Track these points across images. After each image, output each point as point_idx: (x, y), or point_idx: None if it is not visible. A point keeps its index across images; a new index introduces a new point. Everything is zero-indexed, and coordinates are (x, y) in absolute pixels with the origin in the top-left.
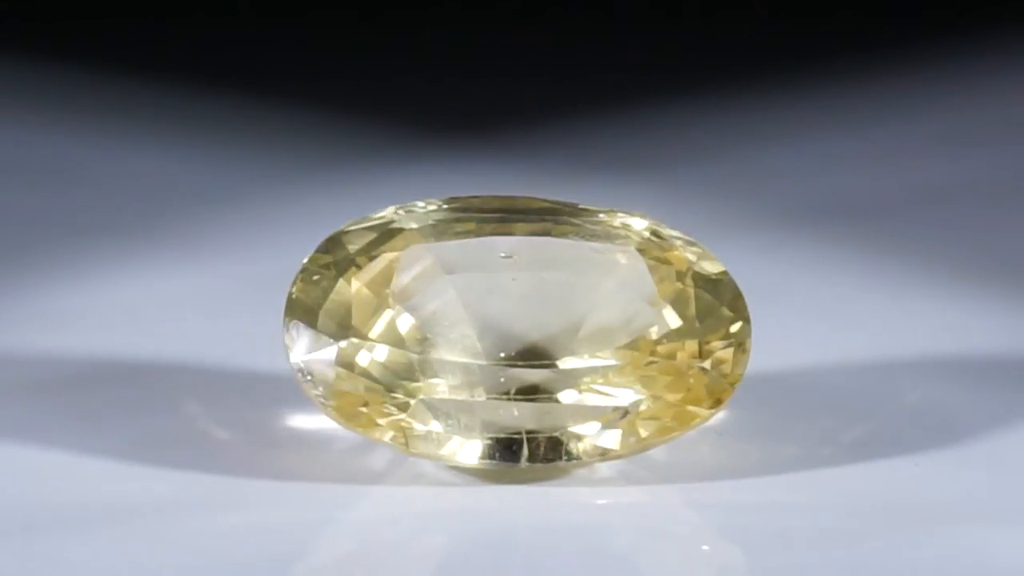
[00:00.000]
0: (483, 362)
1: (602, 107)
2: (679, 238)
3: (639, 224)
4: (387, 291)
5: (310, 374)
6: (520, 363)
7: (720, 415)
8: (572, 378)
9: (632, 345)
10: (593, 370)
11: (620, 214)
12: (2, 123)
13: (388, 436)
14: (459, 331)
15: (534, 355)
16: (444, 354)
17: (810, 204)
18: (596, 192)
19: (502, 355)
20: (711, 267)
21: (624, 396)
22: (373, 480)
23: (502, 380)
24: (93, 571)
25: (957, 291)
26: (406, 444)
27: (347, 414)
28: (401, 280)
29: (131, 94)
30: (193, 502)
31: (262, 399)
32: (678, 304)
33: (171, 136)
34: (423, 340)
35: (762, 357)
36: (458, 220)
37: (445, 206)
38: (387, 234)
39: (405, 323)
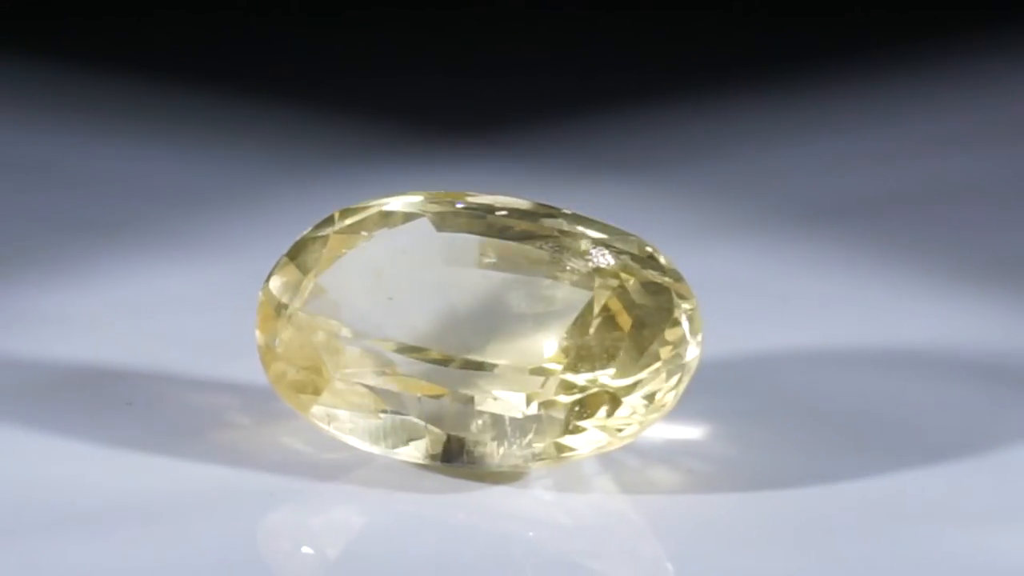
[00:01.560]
0: (399, 352)
1: (602, 107)
2: (667, 269)
3: (629, 247)
4: (354, 269)
5: (265, 342)
6: (435, 360)
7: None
8: (480, 383)
9: (547, 365)
10: (500, 380)
11: (614, 233)
12: (2, 123)
13: (312, 412)
14: (395, 318)
15: (454, 354)
16: (369, 338)
17: (810, 204)
18: (595, 192)
19: (424, 349)
20: (685, 303)
21: (519, 410)
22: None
23: (414, 373)
24: (94, 571)
25: (957, 291)
26: (328, 423)
27: (285, 387)
28: (366, 262)
29: (131, 94)
30: (193, 502)
31: (264, 398)
32: (609, 340)
33: (171, 136)
34: (360, 322)
35: (763, 357)
36: (451, 213)
37: (452, 200)
38: (378, 216)
39: (353, 304)
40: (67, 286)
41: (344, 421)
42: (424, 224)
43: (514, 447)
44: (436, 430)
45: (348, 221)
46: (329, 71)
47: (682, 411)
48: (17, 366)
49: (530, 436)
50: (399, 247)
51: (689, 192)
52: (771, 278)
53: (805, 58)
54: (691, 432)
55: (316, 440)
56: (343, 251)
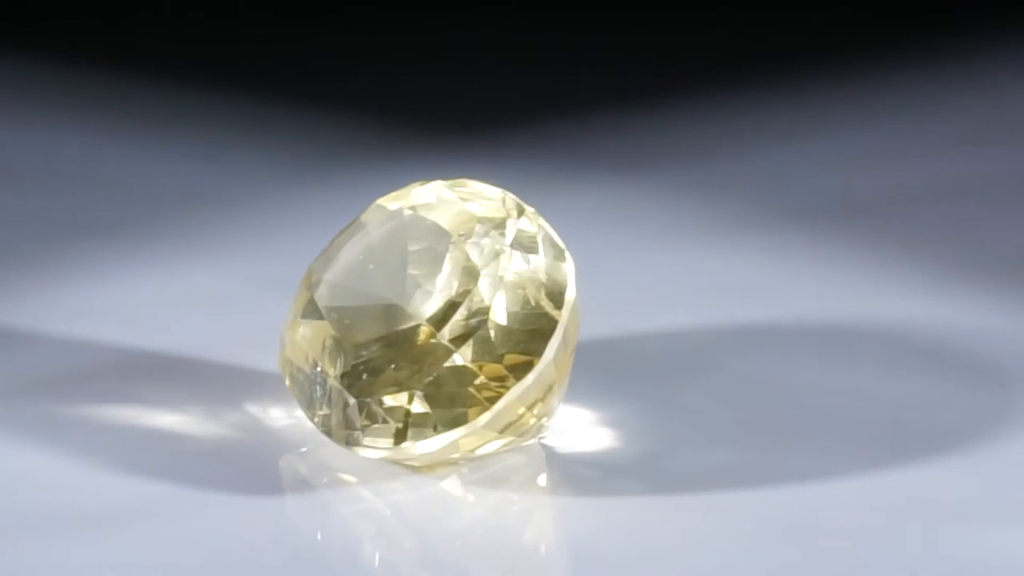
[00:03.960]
0: (332, 330)
1: (601, 107)
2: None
3: (541, 262)
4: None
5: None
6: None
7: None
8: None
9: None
10: (368, 364)
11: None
12: (2, 123)
13: (278, 365)
14: (359, 287)
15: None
16: (325, 299)
17: (810, 204)
18: (594, 192)
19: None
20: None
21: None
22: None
23: (321, 349)
24: (93, 571)
25: (957, 290)
26: (281, 375)
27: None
28: (392, 233)
29: (131, 94)
30: (193, 502)
31: (264, 400)
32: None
33: (171, 136)
34: (332, 284)
35: (764, 358)
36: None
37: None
38: (424, 193)
39: (340, 269)
40: (68, 287)
41: (287, 378)
42: (447, 208)
43: (369, 436)
44: (321, 398)
45: (402, 193)
46: (329, 71)
47: (680, 410)
48: (17, 365)
49: (378, 426)
50: (422, 223)
51: (690, 192)
52: (770, 278)
53: (805, 58)
54: (689, 432)
55: (317, 439)
56: (379, 220)
